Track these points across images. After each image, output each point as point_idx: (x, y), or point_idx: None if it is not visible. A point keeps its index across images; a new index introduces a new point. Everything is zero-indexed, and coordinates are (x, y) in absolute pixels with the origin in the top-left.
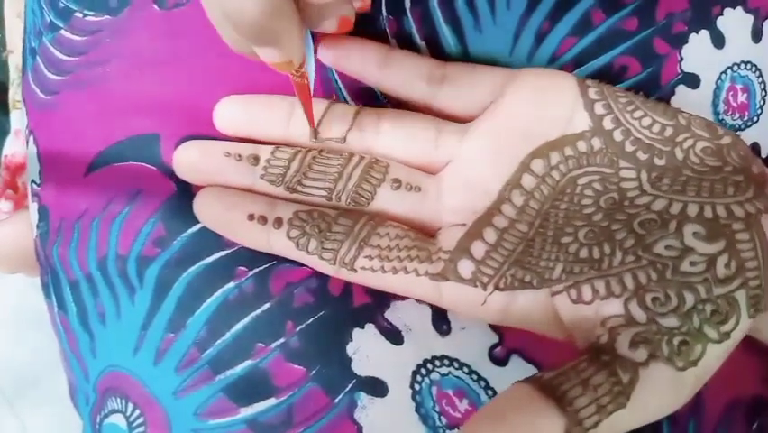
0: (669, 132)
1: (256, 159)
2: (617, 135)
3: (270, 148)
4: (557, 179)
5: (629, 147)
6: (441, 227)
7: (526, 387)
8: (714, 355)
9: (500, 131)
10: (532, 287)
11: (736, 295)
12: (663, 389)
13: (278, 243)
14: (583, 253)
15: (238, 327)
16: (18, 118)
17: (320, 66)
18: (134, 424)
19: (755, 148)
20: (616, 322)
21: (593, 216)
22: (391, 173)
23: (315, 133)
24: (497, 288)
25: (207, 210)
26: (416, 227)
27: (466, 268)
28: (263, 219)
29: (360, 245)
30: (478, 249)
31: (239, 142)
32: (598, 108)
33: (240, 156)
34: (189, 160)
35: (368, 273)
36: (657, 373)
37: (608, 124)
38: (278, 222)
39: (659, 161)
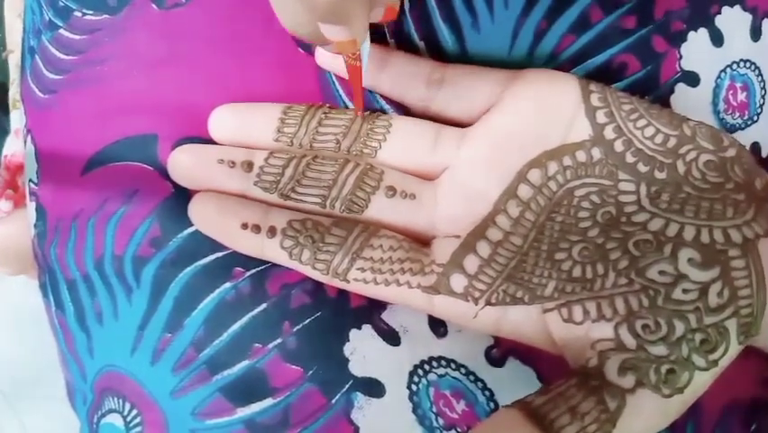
0: (672, 143)
1: (250, 165)
2: (618, 146)
3: (264, 154)
4: (554, 189)
5: (630, 158)
6: (435, 236)
7: (514, 413)
8: (701, 382)
9: (498, 138)
10: (523, 303)
11: (727, 324)
12: (649, 414)
13: (271, 251)
14: (576, 272)
15: (235, 327)
16: (18, 118)
17: (318, 69)
18: (131, 424)
19: (755, 147)
20: (605, 346)
21: (589, 232)
22: (386, 180)
23: (363, 119)
24: (488, 303)
25: (202, 216)
26: (410, 236)
27: (458, 282)
28: (257, 228)
29: (352, 257)
30: (471, 263)
31: (233, 148)
32: (600, 116)
33: (233, 162)
34: (183, 165)
35: (360, 284)
36: (643, 399)
37: (609, 133)
38: (272, 231)
39: (660, 175)
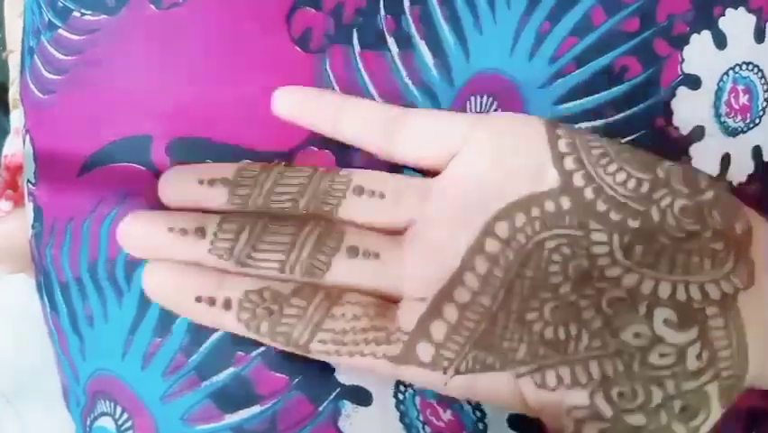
0: (645, 187)
1: (202, 232)
2: (588, 194)
3: (217, 219)
4: (523, 242)
5: (601, 207)
6: (402, 297)
7: None
8: None
9: (462, 190)
10: (494, 369)
11: (707, 389)
12: None
13: (228, 323)
14: (548, 334)
15: (217, 334)
16: (18, 118)
17: (315, 69)
18: (123, 427)
19: (757, 151)
20: (581, 414)
21: (560, 288)
22: (347, 240)
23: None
24: (458, 371)
25: (154, 289)
26: (376, 295)
27: (425, 352)
28: (211, 301)
29: (313, 330)
30: (438, 330)
31: (185, 214)
32: (569, 163)
33: (185, 230)
34: (133, 236)
35: (323, 355)
36: None
37: (578, 180)
38: (227, 304)
39: (633, 223)
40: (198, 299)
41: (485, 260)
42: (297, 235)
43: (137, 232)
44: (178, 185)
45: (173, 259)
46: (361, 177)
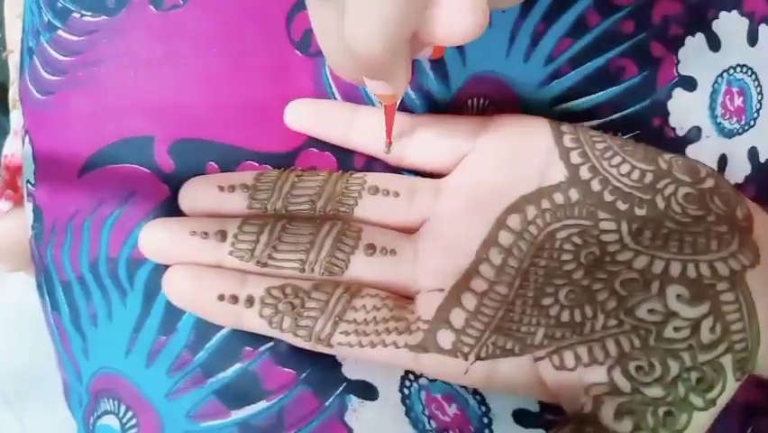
0: (649, 178)
1: (223, 235)
2: (595, 185)
3: (238, 222)
4: (535, 234)
5: (608, 197)
6: (419, 291)
7: None
8: (700, 423)
9: (474, 187)
10: (514, 354)
11: (722, 360)
12: None
13: (250, 321)
14: (565, 317)
15: (224, 331)
16: (18, 118)
17: (314, 71)
18: (127, 425)
19: (753, 152)
20: (599, 390)
21: (573, 274)
22: (364, 238)
23: (389, 147)
24: (478, 357)
25: (176, 290)
26: (394, 292)
27: (446, 339)
28: (234, 299)
29: (335, 321)
30: (457, 318)
31: (206, 218)
32: (574, 157)
33: (206, 234)
34: (155, 240)
35: (345, 348)
36: None
37: (584, 173)
38: (250, 300)
39: (640, 211)
40: (221, 298)
41: (499, 251)
42: (315, 235)
43: (158, 237)
44: (199, 192)
45: (194, 262)
46: (375, 178)
